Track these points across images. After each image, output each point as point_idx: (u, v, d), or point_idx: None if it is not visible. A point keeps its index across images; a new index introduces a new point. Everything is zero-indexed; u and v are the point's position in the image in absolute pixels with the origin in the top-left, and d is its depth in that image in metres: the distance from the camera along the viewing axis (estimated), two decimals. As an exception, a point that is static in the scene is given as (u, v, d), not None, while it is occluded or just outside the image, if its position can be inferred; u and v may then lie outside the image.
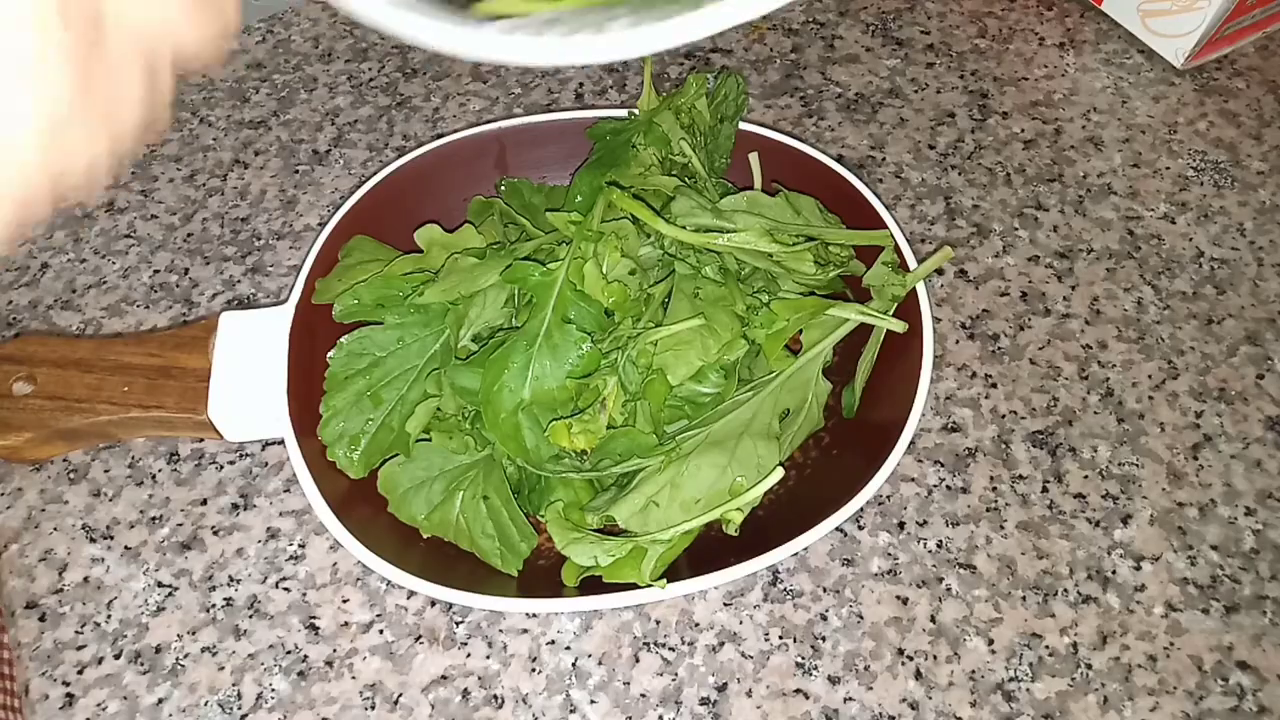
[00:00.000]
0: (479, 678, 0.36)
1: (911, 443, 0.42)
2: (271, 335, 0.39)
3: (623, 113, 0.46)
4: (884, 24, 0.58)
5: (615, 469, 0.36)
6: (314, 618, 0.38)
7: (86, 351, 0.40)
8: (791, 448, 0.39)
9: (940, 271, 0.48)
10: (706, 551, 0.36)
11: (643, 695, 0.36)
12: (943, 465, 0.42)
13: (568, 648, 0.37)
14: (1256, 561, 0.40)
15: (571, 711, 0.36)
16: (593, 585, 0.35)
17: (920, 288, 0.40)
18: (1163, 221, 0.50)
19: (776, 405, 0.38)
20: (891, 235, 0.42)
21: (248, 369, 0.39)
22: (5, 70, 0.14)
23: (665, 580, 0.34)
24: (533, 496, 0.38)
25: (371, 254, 0.41)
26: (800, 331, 0.40)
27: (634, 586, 0.34)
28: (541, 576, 0.37)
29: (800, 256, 0.39)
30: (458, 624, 0.37)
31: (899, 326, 0.39)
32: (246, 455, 0.42)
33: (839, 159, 0.48)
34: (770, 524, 0.37)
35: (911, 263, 0.41)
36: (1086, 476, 0.41)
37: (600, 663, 0.37)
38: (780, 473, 0.35)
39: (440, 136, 0.45)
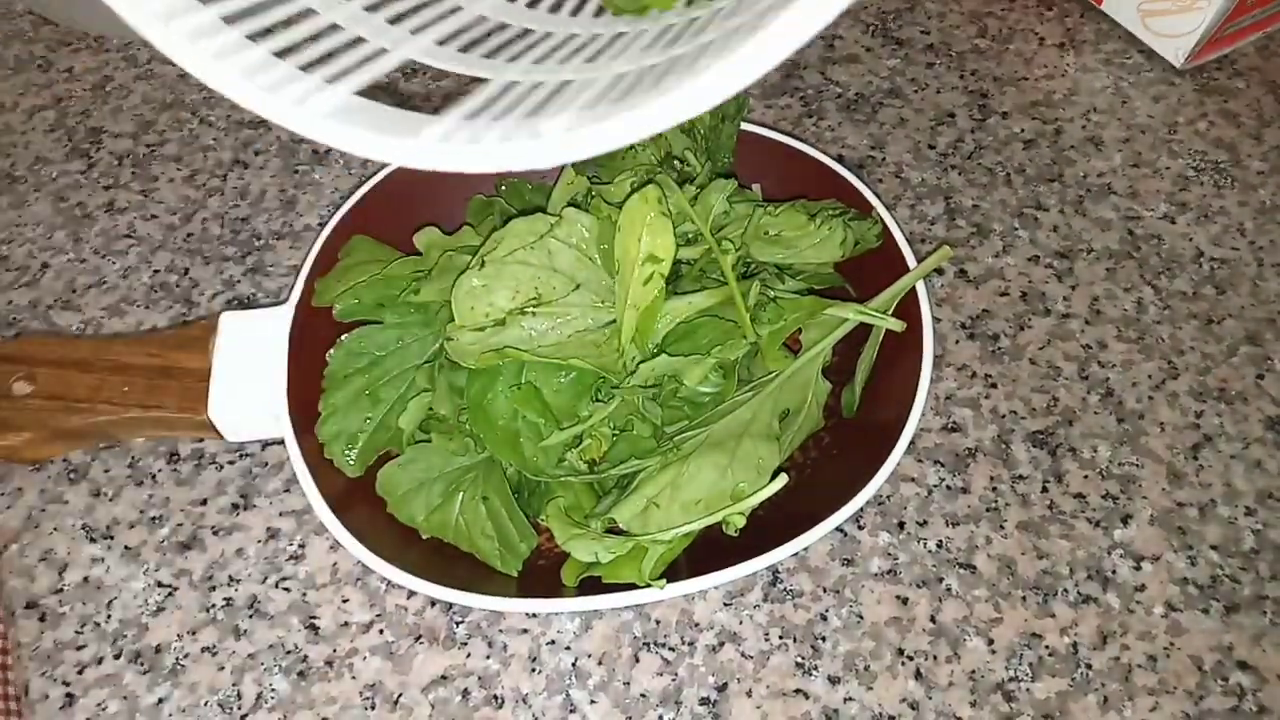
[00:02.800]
0: (479, 678, 0.36)
1: (911, 443, 0.42)
2: (271, 335, 0.39)
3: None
4: (884, 24, 0.58)
5: (614, 471, 0.36)
6: (314, 618, 0.38)
7: (86, 352, 0.40)
8: (791, 448, 0.39)
9: (940, 271, 0.48)
10: (706, 551, 0.36)
11: (643, 695, 0.36)
12: (943, 465, 0.42)
13: (568, 648, 0.37)
14: (1256, 561, 0.39)
15: (571, 711, 0.36)
16: (592, 585, 0.35)
17: (920, 287, 0.40)
18: (1163, 221, 0.50)
19: (776, 406, 0.38)
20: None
21: (248, 369, 0.39)
22: None
23: (664, 580, 0.34)
24: (533, 499, 0.38)
25: (371, 254, 0.41)
26: (798, 330, 0.40)
27: (633, 586, 0.34)
28: (541, 577, 0.37)
29: (795, 219, 0.39)
30: (458, 624, 0.37)
31: (898, 326, 0.39)
32: (246, 455, 0.42)
33: (839, 159, 0.48)
34: (770, 524, 0.37)
35: (911, 262, 0.41)
36: (1086, 476, 0.41)
37: (600, 663, 0.37)
38: (784, 479, 0.35)
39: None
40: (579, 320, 0.37)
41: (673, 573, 0.35)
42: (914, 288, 0.40)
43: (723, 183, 0.41)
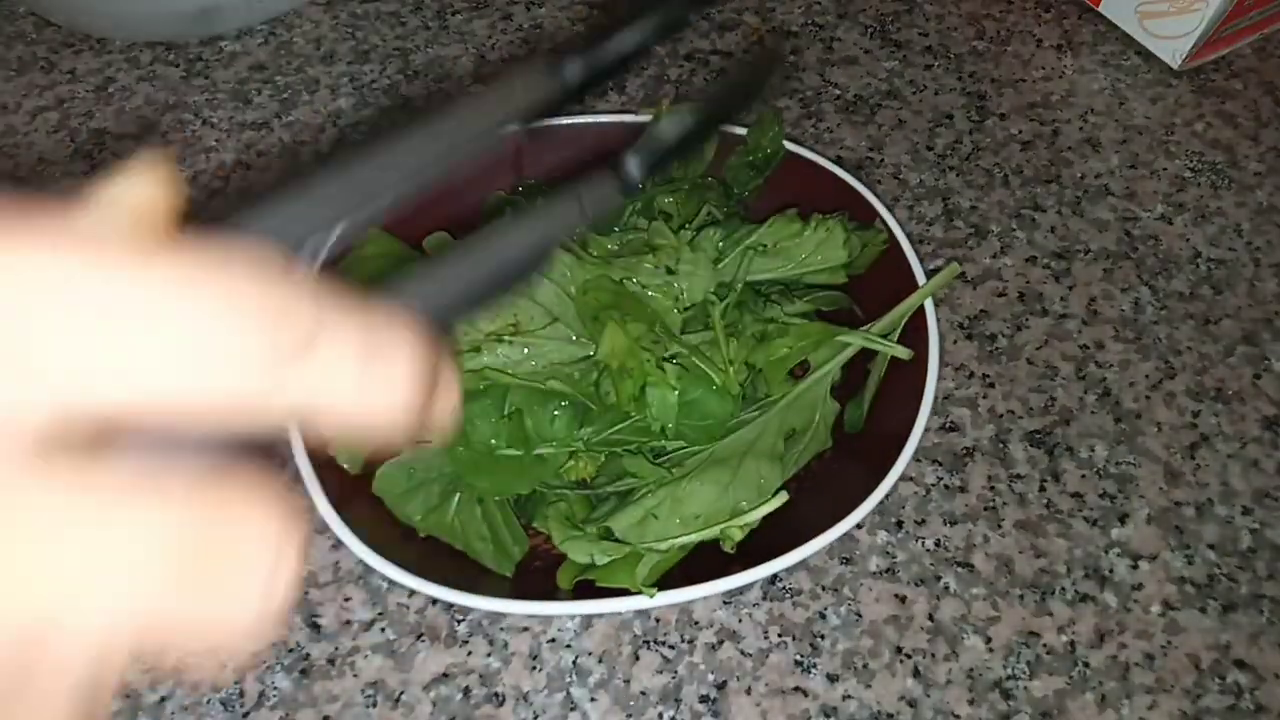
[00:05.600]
0: (480, 676, 0.36)
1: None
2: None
3: (624, 117, 0.46)
4: (882, 26, 0.58)
5: (610, 489, 0.36)
6: (316, 616, 0.38)
7: None
8: (797, 467, 0.39)
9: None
10: (706, 556, 0.36)
11: (643, 693, 0.36)
12: (941, 465, 0.42)
13: (568, 646, 0.37)
14: (1253, 560, 0.40)
15: (572, 709, 0.36)
16: (587, 588, 0.35)
17: (928, 305, 0.40)
18: (1160, 222, 0.50)
19: (783, 425, 0.38)
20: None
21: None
22: None
23: (655, 589, 0.34)
24: (528, 505, 0.38)
25: (384, 249, 0.42)
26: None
27: (627, 591, 0.34)
28: (540, 577, 0.37)
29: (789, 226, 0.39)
30: (459, 622, 0.38)
31: (904, 354, 0.39)
32: (248, 455, 0.42)
33: (837, 160, 0.48)
34: (769, 533, 0.37)
35: (914, 262, 0.41)
36: (1084, 476, 0.42)
37: (600, 661, 0.37)
38: (784, 497, 0.35)
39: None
40: (555, 353, 0.37)
41: (671, 576, 0.35)
42: (923, 307, 0.40)
43: (711, 232, 0.41)
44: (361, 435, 0.14)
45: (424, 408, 0.15)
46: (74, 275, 0.12)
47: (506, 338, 0.36)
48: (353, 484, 0.38)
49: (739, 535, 0.35)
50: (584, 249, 0.39)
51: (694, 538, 0.35)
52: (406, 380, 0.14)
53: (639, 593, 0.34)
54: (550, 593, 0.35)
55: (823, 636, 0.37)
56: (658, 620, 0.38)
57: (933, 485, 0.41)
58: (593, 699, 0.36)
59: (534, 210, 0.21)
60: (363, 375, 0.14)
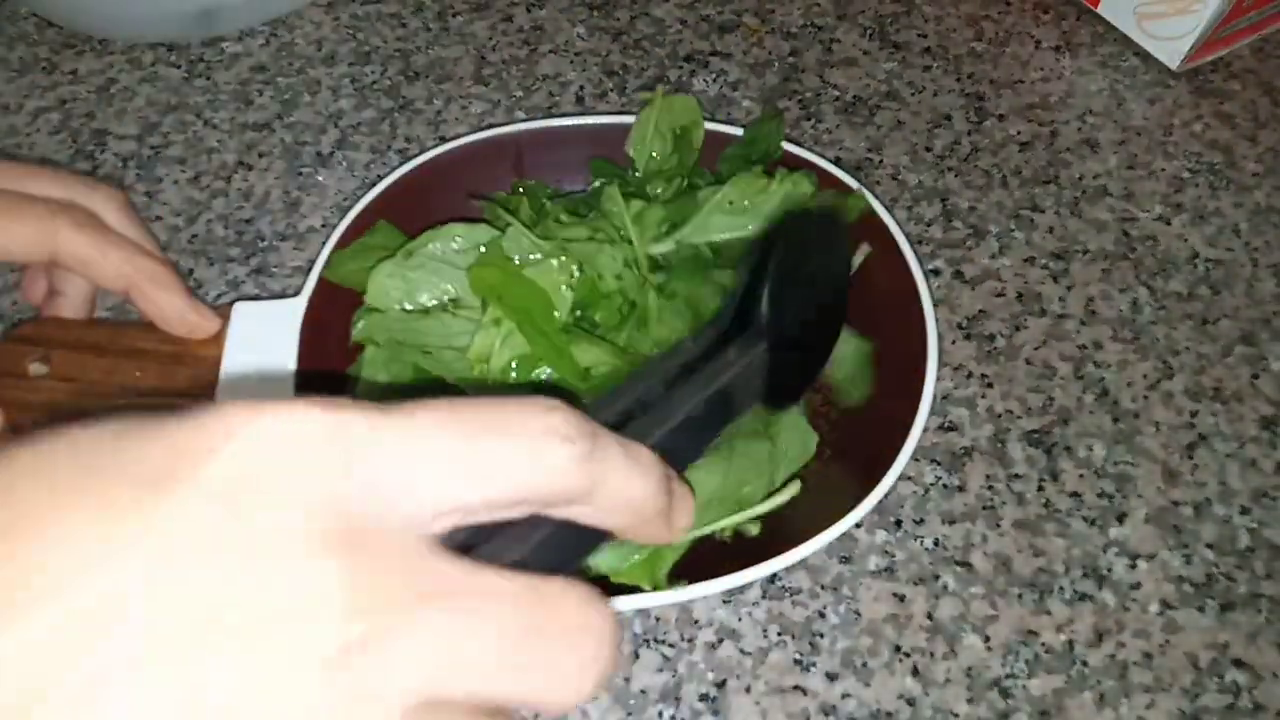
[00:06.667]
0: (480, 674, 0.37)
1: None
2: (283, 327, 0.40)
3: (624, 119, 0.46)
4: (881, 27, 0.59)
5: None
6: (317, 615, 0.38)
7: (102, 335, 0.40)
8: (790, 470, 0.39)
9: (937, 272, 0.48)
10: (705, 557, 0.36)
11: (643, 691, 0.36)
12: (939, 464, 0.42)
13: (568, 644, 0.37)
14: (1252, 560, 0.40)
15: (572, 707, 0.36)
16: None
17: (927, 306, 0.40)
18: (1158, 223, 0.50)
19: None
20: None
21: (259, 359, 0.39)
22: None
23: (661, 585, 0.34)
24: None
25: (390, 240, 0.42)
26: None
27: (624, 589, 0.34)
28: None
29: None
30: (459, 621, 0.38)
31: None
32: (250, 454, 0.42)
33: (836, 161, 0.48)
34: (768, 532, 0.37)
35: (913, 263, 0.41)
36: (1082, 475, 0.42)
37: (600, 659, 0.37)
38: (798, 485, 0.36)
39: (443, 139, 0.46)
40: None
41: (671, 576, 0.35)
42: (921, 307, 0.40)
43: (656, 209, 0.41)
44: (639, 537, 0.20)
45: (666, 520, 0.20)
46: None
47: (449, 309, 0.37)
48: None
49: (755, 530, 0.36)
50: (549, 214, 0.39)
51: (710, 528, 0.35)
52: (656, 490, 0.20)
53: (639, 590, 0.34)
54: None
55: (822, 635, 0.37)
56: (658, 619, 0.38)
57: (931, 485, 0.41)
58: (593, 697, 0.36)
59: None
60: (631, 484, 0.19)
